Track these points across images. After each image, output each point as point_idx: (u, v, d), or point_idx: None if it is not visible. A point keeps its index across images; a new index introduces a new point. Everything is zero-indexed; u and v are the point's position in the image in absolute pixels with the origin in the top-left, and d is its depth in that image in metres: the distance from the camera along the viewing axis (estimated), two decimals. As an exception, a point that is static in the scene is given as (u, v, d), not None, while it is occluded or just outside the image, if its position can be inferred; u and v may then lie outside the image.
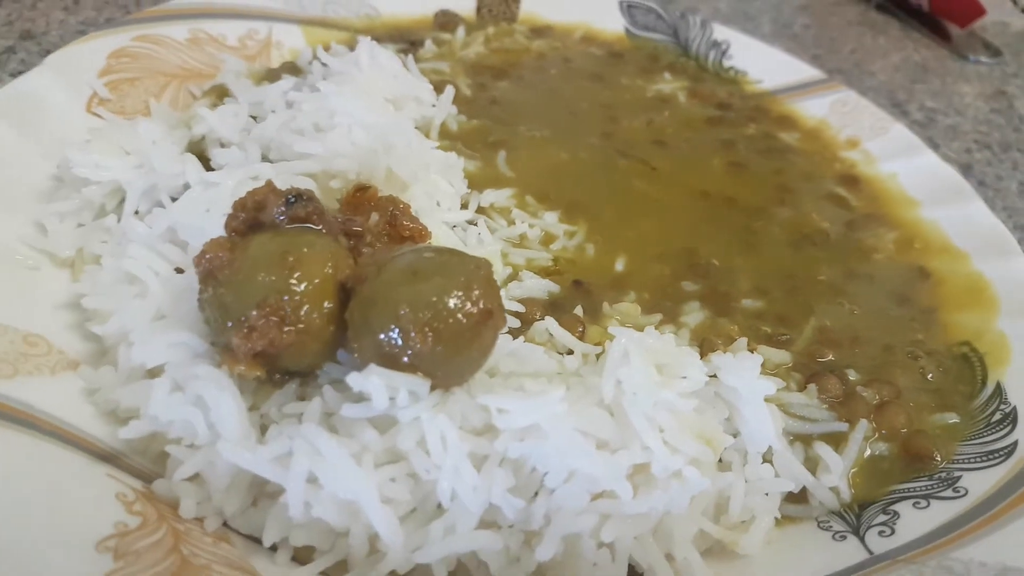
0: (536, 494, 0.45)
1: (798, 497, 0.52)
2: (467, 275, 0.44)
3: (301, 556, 0.45)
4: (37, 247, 0.55)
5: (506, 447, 0.44)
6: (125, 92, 0.70)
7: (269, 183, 0.47)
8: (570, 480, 0.44)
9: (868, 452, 0.55)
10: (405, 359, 0.43)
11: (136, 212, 0.57)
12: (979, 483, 0.52)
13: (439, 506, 0.44)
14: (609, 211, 0.70)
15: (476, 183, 0.69)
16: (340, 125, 0.57)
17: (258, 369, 0.43)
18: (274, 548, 0.44)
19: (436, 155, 0.63)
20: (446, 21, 0.91)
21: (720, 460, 0.50)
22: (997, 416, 0.57)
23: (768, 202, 0.74)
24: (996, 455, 0.54)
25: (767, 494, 0.51)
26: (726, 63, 0.91)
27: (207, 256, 0.44)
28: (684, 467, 0.46)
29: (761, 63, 0.90)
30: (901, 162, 0.79)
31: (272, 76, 0.72)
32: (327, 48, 0.76)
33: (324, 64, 0.68)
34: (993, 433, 0.56)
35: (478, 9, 0.93)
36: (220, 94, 0.71)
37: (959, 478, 0.53)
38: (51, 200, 0.57)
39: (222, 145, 0.59)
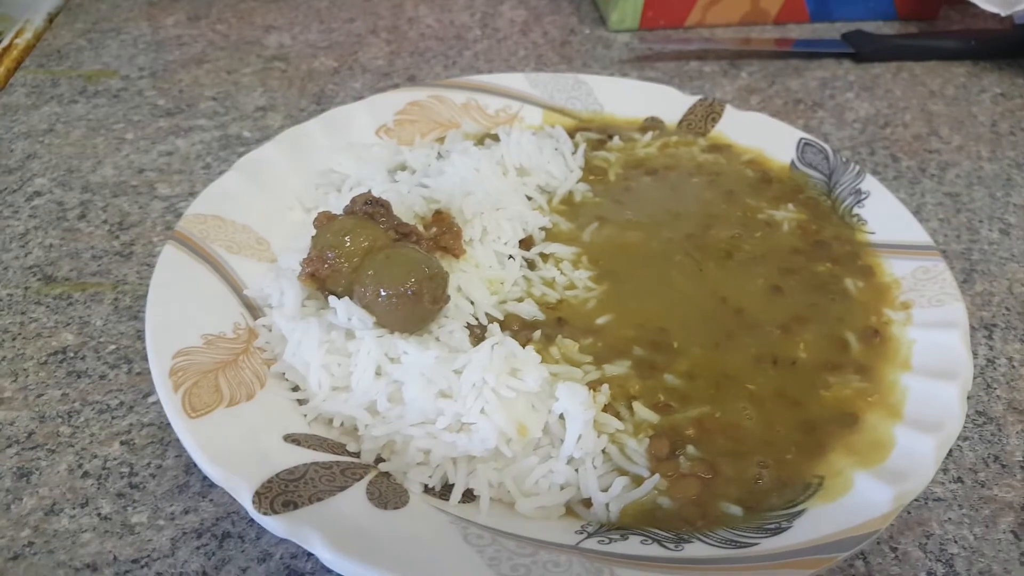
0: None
1: (587, 503, 0.73)
2: (413, 270, 0.77)
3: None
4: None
5: (396, 370, 0.76)
6: (405, 128, 1.15)
7: (369, 193, 0.86)
8: (412, 403, 0.74)
9: (654, 500, 0.72)
10: (366, 303, 0.78)
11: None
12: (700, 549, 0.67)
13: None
14: (633, 285, 0.92)
15: (557, 237, 0.98)
16: (447, 174, 0.94)
17: (311, 284, 0.82)
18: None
19: (514, 207, 0.95)
20: (651, 126, 1.18)
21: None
22: (771, 525, 0.68)
23: (770, 323, 0.88)
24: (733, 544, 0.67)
25: (561, 487, 0.73)
26: (856, 210, 1.01)
27: (317, 220, 0.84)
28: (482, 424, 0.72)
29: (884, 217, 0.98)
30: (926, 333, 0.84)
31: (481, 139, 1.11)
32: (552, 125, 1.13)
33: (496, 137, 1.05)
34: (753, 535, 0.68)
35: (680, 122, 1.18)
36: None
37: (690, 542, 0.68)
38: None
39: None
